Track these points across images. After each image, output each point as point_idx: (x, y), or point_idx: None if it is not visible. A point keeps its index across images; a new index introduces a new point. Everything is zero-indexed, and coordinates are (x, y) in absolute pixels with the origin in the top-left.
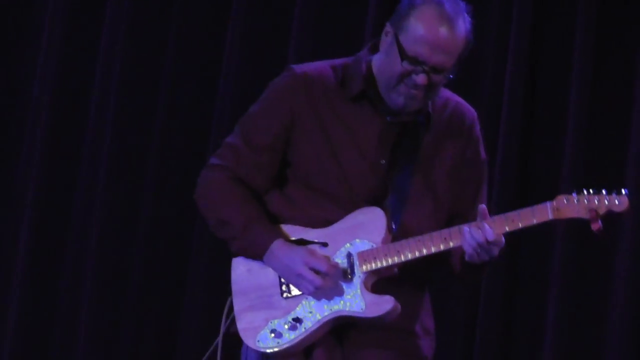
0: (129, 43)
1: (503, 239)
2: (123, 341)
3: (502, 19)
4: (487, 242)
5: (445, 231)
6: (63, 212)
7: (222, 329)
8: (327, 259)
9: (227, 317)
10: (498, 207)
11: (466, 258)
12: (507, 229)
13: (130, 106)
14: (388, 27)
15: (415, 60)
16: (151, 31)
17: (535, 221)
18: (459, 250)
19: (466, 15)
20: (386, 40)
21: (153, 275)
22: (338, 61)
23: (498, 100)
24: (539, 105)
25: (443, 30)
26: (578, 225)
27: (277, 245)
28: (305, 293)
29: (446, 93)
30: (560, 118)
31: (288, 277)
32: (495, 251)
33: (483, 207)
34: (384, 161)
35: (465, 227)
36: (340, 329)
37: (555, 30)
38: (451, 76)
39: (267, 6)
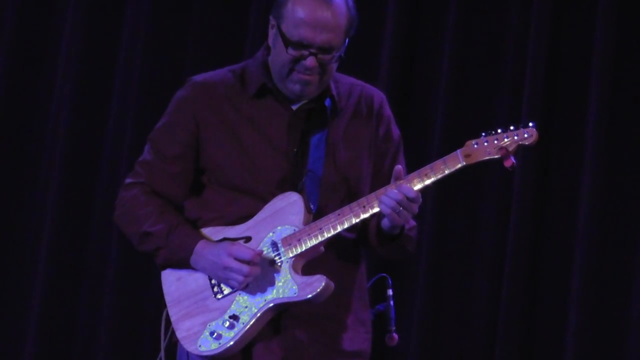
0: (148, 46)
1: (420, 195)
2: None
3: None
4: (407, 199)
5: (362, 199)
6: (83, 219)
7: (163, 342)
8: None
9: (166, 329)
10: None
11: (388, 222)
12: (423, 183)
13: (149, 111)
14: (271, 20)
15: (300, 45)
16: (170, 33)
17: (447, 171)
18: (372, 228)
19: None
20: (272, 32)
21: None
22: (237, 65)
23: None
24: (559, 108)
25: (322, 9)
26: (599, 220)
27: (201, 246)
28: (235, 286)
29: (350, 79)
30: (580, 113)
31: (216, 273)
32: (415, 208)
33: (398, 167)
34: (295, 149)
35: (381, 190)
36: (278, 323)
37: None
38: (341, 54)
39: None
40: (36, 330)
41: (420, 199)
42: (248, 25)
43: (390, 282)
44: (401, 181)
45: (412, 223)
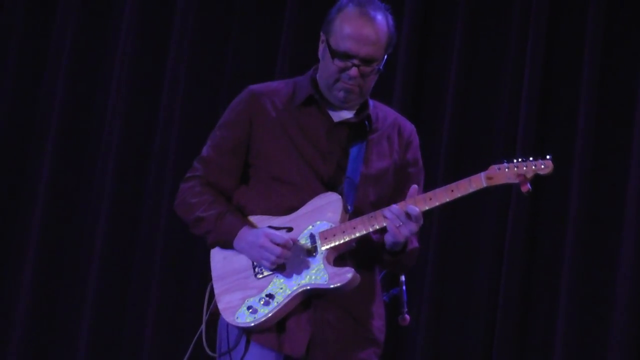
0: (193, 57)
1: (421, 216)
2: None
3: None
4: (407, 215)
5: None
6: (135, 210)
7: (205, 311)
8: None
9: (209, 301)
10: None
11: (390, 237)
12: (448, 199)
13: (193, 117)
14: (322, 36)
15: (345, 56)
16: (213, 44)
17: (471, 190)
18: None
19: (387, 12)
20: (322, 46)
21: None
22: (290, 79)
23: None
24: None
25: (366, 26)
26: (587, 219)
27: (243, 231)
28: (266, 265)
29: (387, 108)
30: (570, 123)
31: (252, 252)
32: (415, 227)
33: (414, 186)
34: (335, 155)
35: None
36: (309, 304)
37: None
38: (380, 67)
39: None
40: (92, 309)
41: (421, 220)
42: (281, 35)
43: None
44: (409, 200)
45: (415, 245)
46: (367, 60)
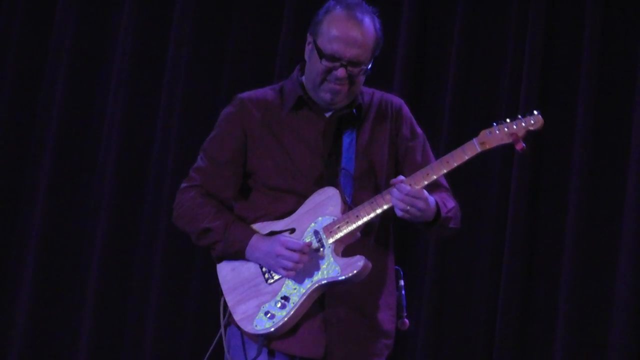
0: (190, 66)
1: (420, 191)
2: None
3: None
4: (409, 196)
5: (392, 188)
6: (133, 220)
7: (222, 325)
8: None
9: (224, 314)
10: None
11: (397, 214)
12: (444, 170)
13: (191, 126)
14: (308, 37)
15: (332, 57)
16: (210, 52)
17: (466, 157)
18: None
19: (375, 16)
20: (308, 48)
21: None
22: (276, 84)
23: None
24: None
25: (353, 29)
26: (586, 215)
27: (255, 239)
28: (284, 273)
29: (371, 90)
30: (569, 119)
31: (268, 261)
32: (420, 203)
33: (397, 178)
34: (329, 151)
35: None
36: (322, 302)
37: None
38: (368, 68)
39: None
40: (92, 310)
41: (422, 194)
42: (279, 41)
43: (402, 274)
44: (402, 182)
45: (451, 204)
46: (354, 62)
